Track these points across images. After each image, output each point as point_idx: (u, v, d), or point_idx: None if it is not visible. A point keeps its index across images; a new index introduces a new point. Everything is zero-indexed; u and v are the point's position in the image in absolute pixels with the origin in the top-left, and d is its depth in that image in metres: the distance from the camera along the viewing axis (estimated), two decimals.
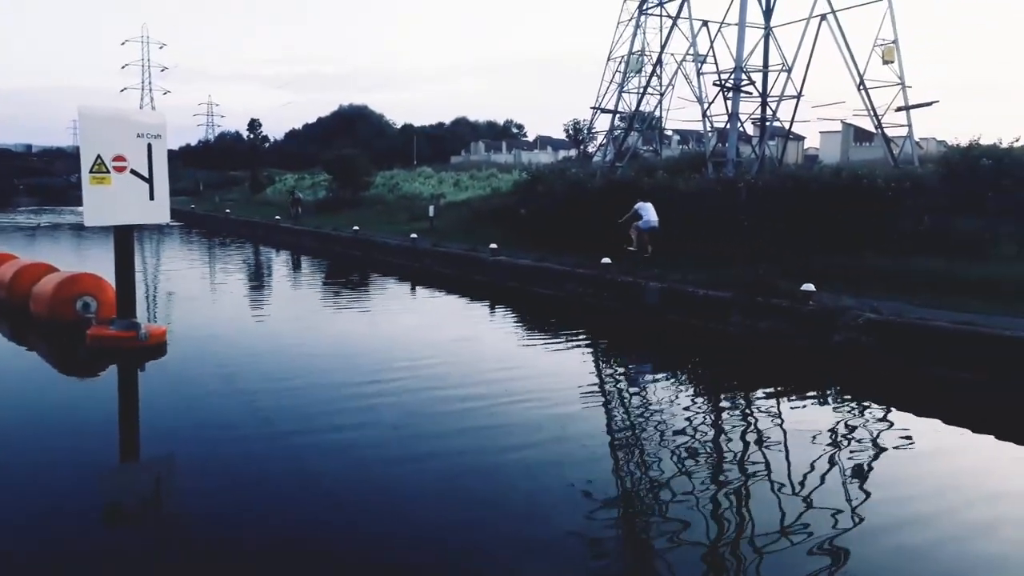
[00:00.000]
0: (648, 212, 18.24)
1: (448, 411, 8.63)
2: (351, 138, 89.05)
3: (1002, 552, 5.58)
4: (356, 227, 30.34)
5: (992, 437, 8.35)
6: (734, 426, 8.77)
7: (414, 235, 25.94)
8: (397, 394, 9.30)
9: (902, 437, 8.27)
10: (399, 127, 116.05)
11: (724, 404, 9.92)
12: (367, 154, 52.32)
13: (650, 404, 9.58)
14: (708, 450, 7.85)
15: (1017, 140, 20.91)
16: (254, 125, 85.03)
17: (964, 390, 9.85)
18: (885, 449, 7.85)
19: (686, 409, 9.24)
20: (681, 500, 6.35)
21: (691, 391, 10.51)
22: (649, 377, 11.25)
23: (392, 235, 28.39)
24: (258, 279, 23.00)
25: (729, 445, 7.99)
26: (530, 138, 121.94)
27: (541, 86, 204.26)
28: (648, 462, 7.49)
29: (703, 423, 8.82)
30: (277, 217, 39.21)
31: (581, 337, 13.89)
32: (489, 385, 9.74)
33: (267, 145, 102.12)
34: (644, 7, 35.95)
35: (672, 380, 11.01)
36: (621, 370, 11.99)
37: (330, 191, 47.21)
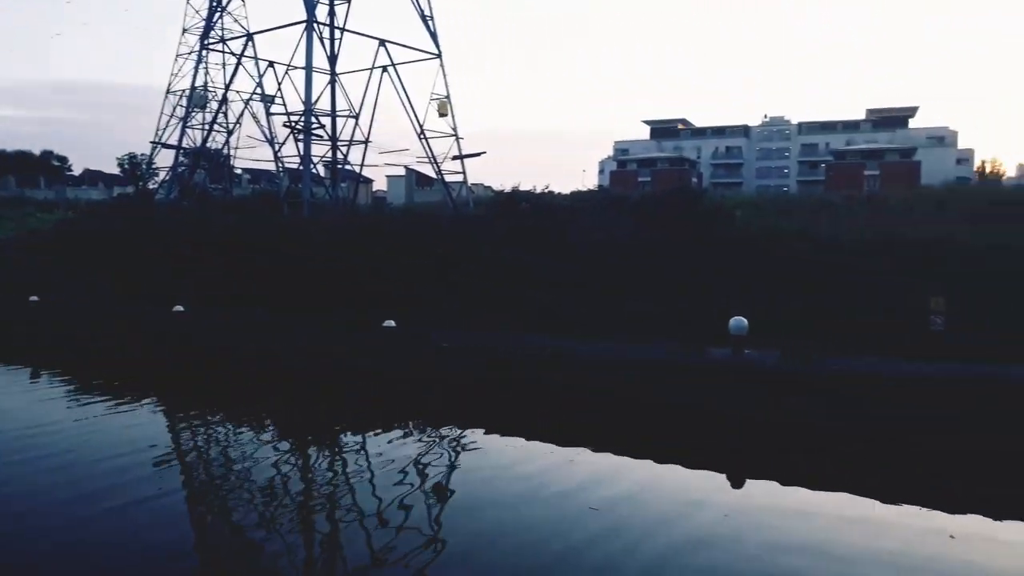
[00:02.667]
0: None
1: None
2: None
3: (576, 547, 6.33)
4: None
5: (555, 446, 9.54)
6: (330, 464, 8.65)
7: None
8: None
9: (481, 455, 9.04)
10: None
11: (325, 442, 9.74)
12: None
13: (263, 456, 8.90)
14: (308, 491, 7.56)
15: (547, 187, 24.84)
16: None
17: (533, 403, 11.16)
18: (460, 468, 8.48)
19: (293, 453, 8.82)
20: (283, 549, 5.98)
21: (288, 433, 10.09)
22: (246, 429, 10.47)
23: None
24: None
25: (325, 484, 7.84)
26: (76, 172, 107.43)
27: (88, 116, 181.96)
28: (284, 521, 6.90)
29: (300, 465, 8.52)
30: None
31: (151, 393, 12.44)
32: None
33: None
34: (206, 42, 34.44)
35: (274, 427, 10.45)
36: (205, 424, 10.96)
37: None
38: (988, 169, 54.77)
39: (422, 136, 28.07)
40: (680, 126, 65.87)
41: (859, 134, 57.45)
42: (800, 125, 61.21)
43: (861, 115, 60.14)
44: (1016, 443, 8.55)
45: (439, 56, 28.66)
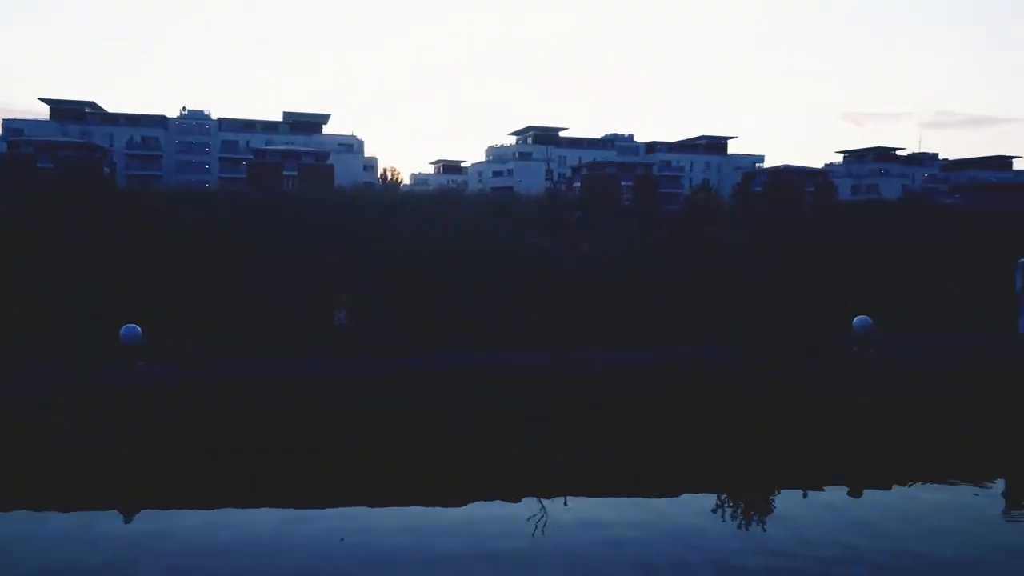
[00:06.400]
0: None
1: None
2: None
3: None
4: None
5: None
6: None
7: None
8: None
9: None
10: None
11: None
12: None
13: None
14: None
15: None
16: None
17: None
18: None
19: None
20: None
21: None
22: None
23: None
24: None
25: None
26: None
27: None
28: None
29: None
30: None
31: None
32: None
33: None
34: None
35: None
36: None
37: None
38: (390, 176, 62.71)
39: None
40: (88, 110, 58.84)
41: (278, 135, 59.64)
42: (220, 121, 60.63)
43: (279, 117, 62.41)
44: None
45: None
